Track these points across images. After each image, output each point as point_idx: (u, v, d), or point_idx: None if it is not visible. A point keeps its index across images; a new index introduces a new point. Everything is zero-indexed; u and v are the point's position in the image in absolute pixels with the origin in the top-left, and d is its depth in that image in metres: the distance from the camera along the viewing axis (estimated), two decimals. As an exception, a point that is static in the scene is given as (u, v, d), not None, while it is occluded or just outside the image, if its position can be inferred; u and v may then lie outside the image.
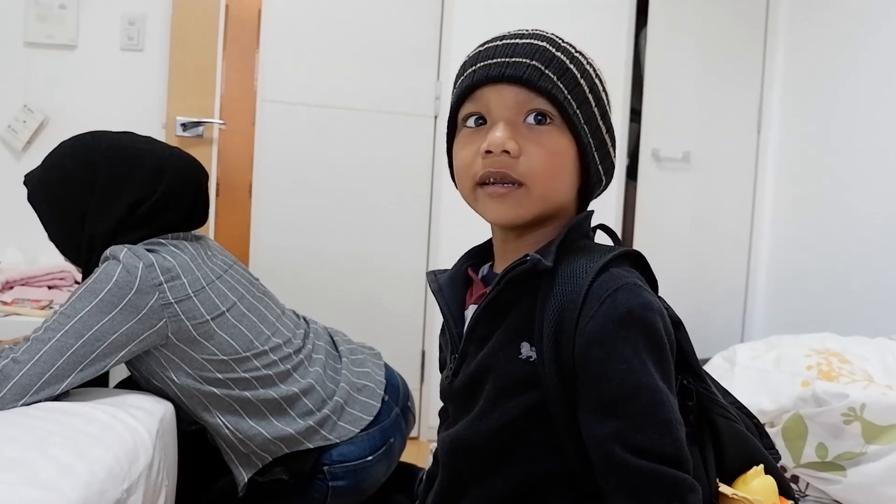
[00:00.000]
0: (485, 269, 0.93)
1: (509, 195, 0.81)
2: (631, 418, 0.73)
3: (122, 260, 1.31)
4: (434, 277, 0.93)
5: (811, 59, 2.90)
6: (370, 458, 1.51)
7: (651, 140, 2.94)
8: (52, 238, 1.48)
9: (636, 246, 2.90)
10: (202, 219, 1.52)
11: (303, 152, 2.61)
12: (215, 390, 1.41)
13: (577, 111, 0.82)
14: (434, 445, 1.44)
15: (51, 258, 1.98)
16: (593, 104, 0.84)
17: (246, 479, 1.46)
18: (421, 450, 2.57)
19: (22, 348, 1.27)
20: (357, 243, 2.68)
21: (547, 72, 0.81)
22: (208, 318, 1.38)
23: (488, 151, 0.80)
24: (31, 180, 1.47)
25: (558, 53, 0.83)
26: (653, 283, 0.86)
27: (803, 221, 2.90)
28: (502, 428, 0.81)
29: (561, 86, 0.81)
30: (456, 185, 0.89)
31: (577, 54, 0.85)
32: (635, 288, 0.77)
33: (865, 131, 2.61)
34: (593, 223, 0.91)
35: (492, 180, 0.82)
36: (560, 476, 0.79)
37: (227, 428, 1.43)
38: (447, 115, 0.90)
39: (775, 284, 3.05)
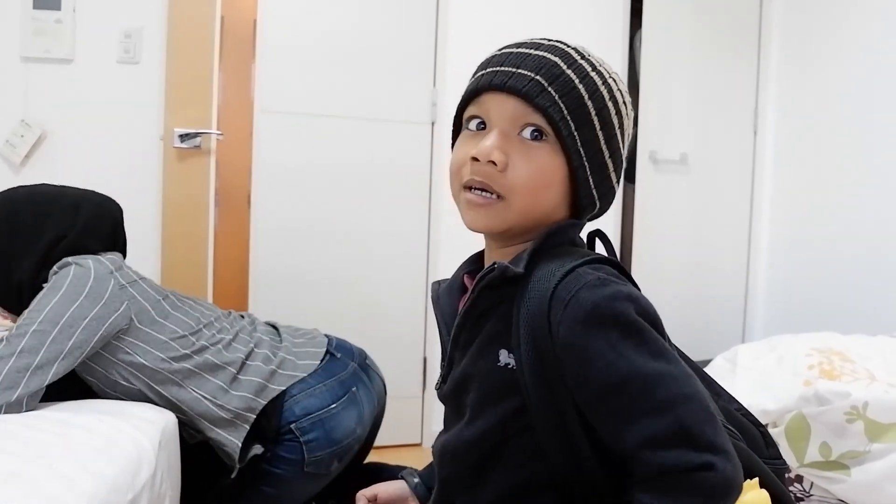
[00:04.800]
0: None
1: (487, 206, 0.81)
2: (625, 411, 0.71)
3: (72, 262, 1.43)
4: (436, 287, 0.94)
5: (805, 59, 2.91)
6: (333, 406, 1.58)
7: (648, 142, 2.95)
8: None
9: (636, 249, 2.90)
10: (121, 254, 1.60)
11: (301, 162, 2.62)
12: (185, 364, 1.48)
13: (575, 132, 0.80)
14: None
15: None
16: (598, 126, 0.81)
17: (238, 445, 1.49)
18: (425, 455, 2.56)
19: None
20: (356, 251, 2.68)
21: (549, 88, 0.79)
22: (159, 297, 1.51)
23: (475, 158, 0.80)
24: None
25: (568, 71, 0.80)
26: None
27: (801, 220, 2.90)
28: (485, 435, 0.81)
29: (561, 104, 0.79)
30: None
31: (592, 73, 0.82)
32: (598, 283, 0.75)
33: (861, 129, 2.61)
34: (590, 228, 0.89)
35: (474, 188, 0.81)
36: (546, 484, 0.79)
37: (205, 399, 1.48)
38: (453, 113, 0.89)
39: (775, 284, 3.05)
